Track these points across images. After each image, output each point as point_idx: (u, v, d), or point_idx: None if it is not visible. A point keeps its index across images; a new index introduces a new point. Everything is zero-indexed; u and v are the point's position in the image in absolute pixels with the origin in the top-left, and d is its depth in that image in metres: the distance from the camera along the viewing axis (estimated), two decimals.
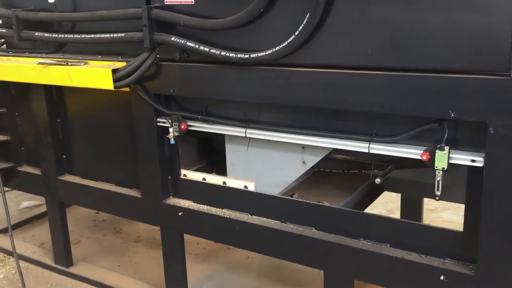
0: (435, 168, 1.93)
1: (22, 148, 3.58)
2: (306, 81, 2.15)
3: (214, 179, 2.74)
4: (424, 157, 1.95)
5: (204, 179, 2.77)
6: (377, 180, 2.47)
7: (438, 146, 1.92)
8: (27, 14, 3.01)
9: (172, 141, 2.66)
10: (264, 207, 2.58)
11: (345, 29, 2.02)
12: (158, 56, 2.56)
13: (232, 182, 2.69)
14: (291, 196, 2.69)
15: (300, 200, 2.53)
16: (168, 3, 2.46)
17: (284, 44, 2.11)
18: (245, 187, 2.64)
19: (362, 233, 2.28)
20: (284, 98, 2.23)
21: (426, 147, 1.98)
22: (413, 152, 2.02)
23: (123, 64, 2.67)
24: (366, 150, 2.12)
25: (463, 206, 2.11)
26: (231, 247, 3.79)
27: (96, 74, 2.68)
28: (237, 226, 2.59)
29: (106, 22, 2.76)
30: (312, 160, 2.51)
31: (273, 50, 2.14)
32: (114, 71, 2.63)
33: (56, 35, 2.93)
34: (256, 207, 2.60)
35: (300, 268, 3.01)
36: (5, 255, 3.90)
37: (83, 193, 3.25)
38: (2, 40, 3.53)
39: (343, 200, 2.70)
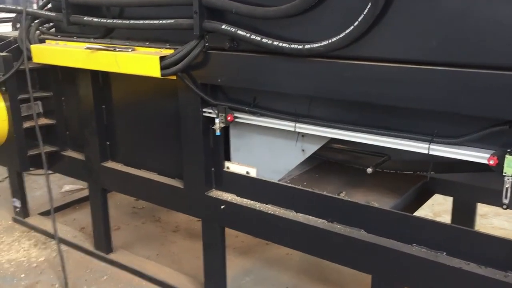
0: (504, 174, 1.78)
1: (67, 132, 3.59)
2: (363, 75, 2.02)
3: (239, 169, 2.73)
4: (492, 162, 1.80)
5: (247, 172, 2.70)
6: (369, 170, 2.47)
7: (509, 150, 1.77)
8: None
9: (218, 133, 2.59)
10: (310, 205, 2.48)
11: (409, 20, 1.88)
12: (207, 44, 2.48)
13: (235, 167, 2.71)
14: (338, 195, 2.59)
15: (349, 199, 2.41)
16: None
17: (342, 35, 1.99)
18: (247, 172, 2.68)
19: (416, 238, 2.15)
20: (338, 92, 2.11)
21: (494, 151, 1.83)
22: (479, 156, 1.87)
23: (171, 51, 2.61)
24: (426, 151, 1.99)
25: None
26: (269, 242, 3.71)
27: (143, 61, 2.62)
28: (281, 223, 2.50)
29: (154, 8, 2.71)
30: (311, 148, 2.50)
31: (329, 42, 2.03)
32: (162, 58, 2.57)
33: (104, 20, 2.90)
34: (302, 204, 2.50)
35: (342, 268, 2.90)
36: (47, 237, 3.95)
37: (125, 180, 3.23)
38: (51, 24, 3.54)
39: (393, 201, 2.57)
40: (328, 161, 3.07)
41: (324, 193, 2.52)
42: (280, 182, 2.63)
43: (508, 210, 3.68)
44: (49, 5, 3.40)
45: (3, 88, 3.29)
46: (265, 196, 2.62)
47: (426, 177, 2.78)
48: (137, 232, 4.04)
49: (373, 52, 1.99)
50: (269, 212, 2.54)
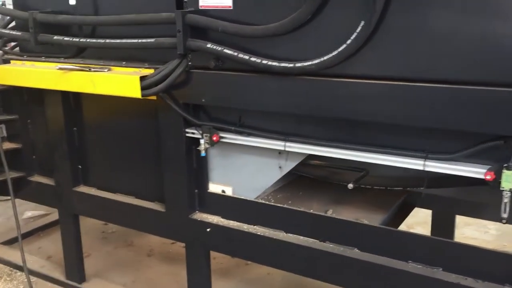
0: (502, 188, 1.80)
1: (34, 156, 3.41)
2: (355, 92, 2.02)
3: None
4: (488, 177, 1.82)
5: (223, 191, 2.64)
6: (350, 186, 2.44)
7: (505, 165, 1.79)
8: (46, 17, 2.86)
9: (203, 153, 2.51)
10: (298, 224, 2.44)
11: (402, 38, 1.89)
12: (189, 63, 2.42)
13: (212, 186, 2.67)
14: (325, 213, 2.56)
15: (341, 218, 2.38)
16: (203, 7, 2.32)
17: (334, 53, 1.97)
18: (223, 191, 2.65)
19: (411, 255, 2.14)
20: (329, 110, 2.10)
21: (490, 166, 1.85)
22: (475, 171, 1.88)
23: (150, 71, 2.53)
24: (421, 168, 1.99)
25: (485, 222, 1.98)
26: (249, 262, 3.64)
27: (122, 82, 2.52)
28: (272, 244, 2.44)
29: (129, 26, 2.63)
30: (289, 165, 2.48)
31: (321, 60, 2.01)
32: (142, 78, 2.48)
33: (77, 40, 2.78)
34: (291, 224, 2.45)
35: (325, 285, 2.87)
36: (11, 269, 3.72)
37: (100, 205, 3.08)
38: (14, 43, 3.38)
39: (381, 217, 2.56)
40: (302, 176, 3.04)
41: (312, 211, 2.48)
42: (266, 202, 2.58)
43: (478, 220, 3.78)
44: (12, 24, 3.25)
45: None
46: (251, 217, 2.56)
47: (407, 192, 2.80)
48: (109, 258, 3.87)
49: (365, 70, 1.99)
50: (258, 233, 2.48)
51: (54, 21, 2.84)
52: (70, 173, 3.14)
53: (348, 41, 1.93)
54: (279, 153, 2.47)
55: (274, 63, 2.12)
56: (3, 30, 3.15)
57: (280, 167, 2.53)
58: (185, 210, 2.69)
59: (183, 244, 2.80)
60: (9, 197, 3.46)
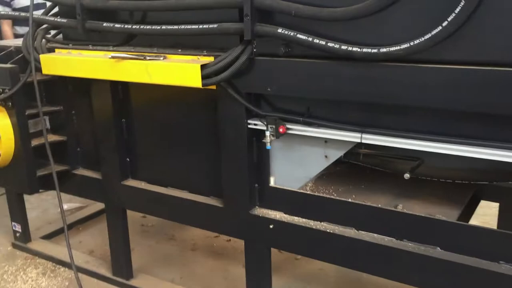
0: None
1: (78, 149, 3.29)
2: (450, 80, 1.84)
3: None
4: None
5: None
6: (406, 175, 2.30)
7: None
8: (95, 2, 2.72)
9: (268, 146, 2.37)
10: (370, 221, 2.29)
11: (506, 15, 1.71)
12: (254, 50, 2.26)
13: None
14: (395, 207, 2.41)
15: (416, 214, 2.23)
16: None
17: (427, 36, 1.80)
18: None
19: (501, 255, 1.98)
20: (418, 100, 1.93)
21: None
22: None
23: (209, 58, 2.39)
24: None
25: None
26: (299, 257, 3.51)
27: (181, 70, 2.38)
28: (343, 242, 2.30)
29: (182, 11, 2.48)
30: (335, 154, 2.35)
31: (411, 44, 1.84)
32: (203, 67, 2.34)
33: (130, 26, 2.63)
34: (360, 220, 2.31)
35: (384, 282, 2.72)
36: (54, 264, 3.63)
37: (151, 200, 2.96)
38: (55, 31, 3.24)
39: (456, 213, 2.41)
40: (350, 164, 2.88)
41: (384, 206, 2.34)
42: (333, 197, 2.44)
43: None
44: (54, 10, 3.11)
45: (9, 104, 2.97)
46: (317, 213, 2.42)
47: (476, 185, 2.64)
48: (153, 253, 3.76)
49: (462, 54, 1.82)
50: (328, 231, 2.34)
51: (103, 7, 2.70)
52: (118, 166, 3.01)
53: (445, 23, 1.76)
54: (325, 141, 2.33)
55: (355, 49, 1.95)
56: (47, 17, 3.02)
57: (326, 156, 2.39)
58: (245, 205, 2.56)
59: (227, 238, 2.67)
60: (47, 190, 3.39)
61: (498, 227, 3.11)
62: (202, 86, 2.35)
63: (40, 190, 3.26)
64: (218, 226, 2.75)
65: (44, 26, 3.10)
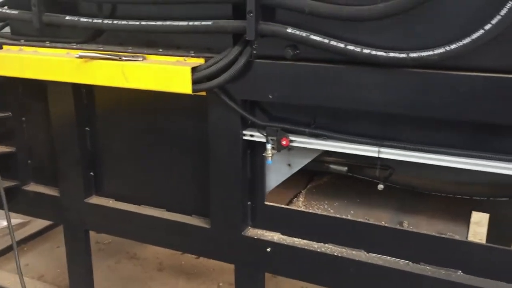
0: None
1: (29, 161, 2.84)
2: (492, 89, 1.66)
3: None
4: None
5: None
6: (380, 186, 2.20)
7: None
8: None
9: (270, 161, 2.09)
10: (380, 241, 2.08)
11: None
12: (254, 52, 1.98)
13: None
14: (401, 225, 2.23)
15: (430, 233, 2.04)
16: None
17: (466, 41, 1.61)
18: None
19: None
20: (451, 110, 1.73)
21: None
22: None
23: (197, 60, 2.08)
24: None
25: None
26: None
27: (167, 74, 2.05)
28: (352, 266, 2.07)
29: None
30: (299, 163, 2.22)
31: (447, 49, 1.64)
32: (194, 70, 2.03)
33: (100, 21, 2.26)
34: (369, 241, 2.10)
35: None
36: None
37: (120, 219, 2.59)
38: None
39: (464, 230, 2.25)
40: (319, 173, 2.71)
41: (394, 226, 2.15)
42: (338, 216, 2.20)
43: None
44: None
45: None
46: (320, 233, 2.18)
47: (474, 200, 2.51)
48: (113, 274, 3.38)
49: (502, 61, 1.64)
50: (335, 254, 2.10)
51: None
52: (81, 182, 2.62)
53: (487, 26, 1.57)
54: (289, 149, 2.15)
55: (380, 53, 1.72)
56: None
57: (289, 165, 2.23)
58: (237, 226, 2.27)
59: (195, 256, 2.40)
60: None
61: (487, 239, 3.02)
62: (193, 92, 2.04)
63: None
64: (203, 249, 2.44)
65: None
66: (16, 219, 4.13)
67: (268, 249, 2.22)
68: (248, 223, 2.31)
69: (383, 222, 2.23)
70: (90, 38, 2.44)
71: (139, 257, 3.60)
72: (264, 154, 2.09)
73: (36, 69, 2.35)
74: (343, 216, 2.17)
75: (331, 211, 2.40)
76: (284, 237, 2.24)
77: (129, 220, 2.57)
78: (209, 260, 3.04)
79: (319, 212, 2.23)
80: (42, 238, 3.86)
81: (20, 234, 3.87)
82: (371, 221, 2.16)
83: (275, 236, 2.24)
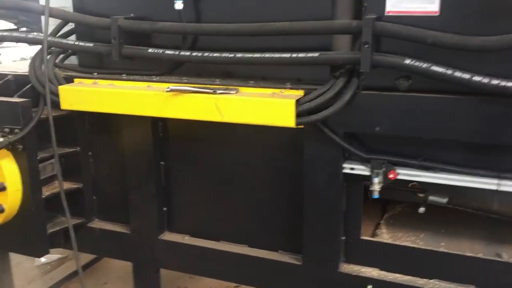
0: None
1: (94, 197, 2.73)
2: None
3: None
4: None
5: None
6: (421, 210, 2.23)
7: None
8: (138, 25, 2.26)
9: (376, 195, 2.02)
10: (489, 276, 2.01)
11: None
12: (362, 83, 1.93)
13: None
14: (499, 257, 2.15)
15: None
16: (391, 13, 1.84)
17: None
18: None
19: None
20: None
21: None
22: None
23: (297, 92, 2.03)
24: None
25: None
26: None
27: (269, 107, 1.99)
28: None
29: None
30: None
31: None
32: (298, 102, 1.96)
33: (188, 53, 2.19)
34: (480, 276, 2.02)
35: None
36: None
37: (196, 256, 2.49)
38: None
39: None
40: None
41: (499, 259, 2.07)
42: (440, 250, 2.12)
43: None
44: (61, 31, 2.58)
45: (20, 146, 2.38)
46: (423, 269, 2.10)
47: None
48: None
49: None
50: None
51: (151, 30, 2.24)
52: (155, 218, 2.52)
53: None
54: None
55: (510, 84, 1.68)
56: (65, 40, 2.48)
57: None
58: (332, 262, 2.18)
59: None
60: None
61: None
62: (296, 125, 1.97)
63: None
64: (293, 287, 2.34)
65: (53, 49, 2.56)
66: (54, 254, 4.00)
67: (370, 287, 2.13)
68: (341, 259, 2.22)
69: (480, 254, 2.16)
70: (170, 70, 2.37)
71: None
72: (371, 189, 2.01)
73: (115, 103, 2.26)
74: (440, 250, 2.10)
75: (421, 243, 2.32)
76: (384, 272, 2.16)
77: (206, 258, 2.47)
78: None
79: (419, 247, 2.15)
80: (87, 273, 3.71)
81: (64, 271, 3.72)
82: (479, 255, 2.08)
83: (374, 272, 2.16)
